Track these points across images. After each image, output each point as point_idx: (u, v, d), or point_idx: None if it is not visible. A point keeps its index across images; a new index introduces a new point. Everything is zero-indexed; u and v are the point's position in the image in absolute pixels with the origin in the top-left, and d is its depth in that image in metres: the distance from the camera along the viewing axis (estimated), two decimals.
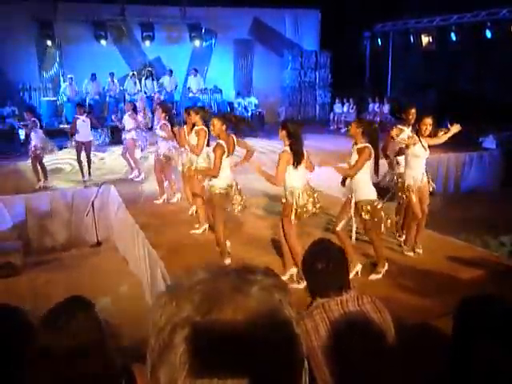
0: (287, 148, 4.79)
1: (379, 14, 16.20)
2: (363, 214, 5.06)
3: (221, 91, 16.79)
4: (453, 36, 14.89)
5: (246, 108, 15.77)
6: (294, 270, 5.15)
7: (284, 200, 4.96)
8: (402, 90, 17.21)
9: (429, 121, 5.86)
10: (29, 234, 8.81)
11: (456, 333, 1.70)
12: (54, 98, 15.33)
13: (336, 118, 16.89)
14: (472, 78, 15.40)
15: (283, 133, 4.82)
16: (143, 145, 10.36)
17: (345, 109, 16.77)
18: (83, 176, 10.08)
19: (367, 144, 4.99)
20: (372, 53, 17.78)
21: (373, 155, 5.00)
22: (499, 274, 5.25)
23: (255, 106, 15.95)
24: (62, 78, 15.49)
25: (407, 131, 6.17)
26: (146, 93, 15.33)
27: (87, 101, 14.72)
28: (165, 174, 8.41)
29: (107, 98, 15.22)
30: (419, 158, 5.86)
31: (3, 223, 8.54)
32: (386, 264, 5.35)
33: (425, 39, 15.96)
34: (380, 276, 5.27)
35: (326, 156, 11.44)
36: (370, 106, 16.47)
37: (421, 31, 15.93)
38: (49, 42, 15.08)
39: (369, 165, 5.04)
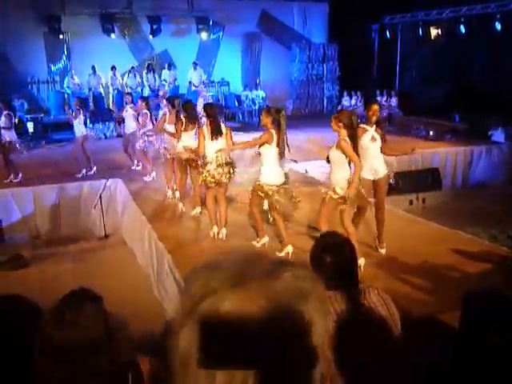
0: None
1: (388, 6, 16.07)
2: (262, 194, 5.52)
3: (228, 84, 16.78)
4: (462, 28, 14.75)
5: (253, 101, 15.75)
6: None
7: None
8: (411, 83, 17.11)
9: (375, 107, 5.60)
10: (37, 226, 8.87)
11: (463, 326, 1.69)
12: (62, 91, 15.37)
13: None
14: (481, 71, 15.28)
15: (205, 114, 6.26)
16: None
17: (353, 102, 16.69)
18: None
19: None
20: (380, 45, 17.65)
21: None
22: (507, 267, 5.23)
23: (262, 99, 15.92)
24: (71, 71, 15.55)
25: (371, 131, 5.61)
26: (150, 87, 15.32)
27: (89, 93, 14.80)
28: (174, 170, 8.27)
29: (110, 91, 15.24)
30: (368, 150, 5.53)
31: (12, 215, 8.61)
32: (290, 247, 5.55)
33: (434, 31, 15.83)
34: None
35: (323, 149, 11.43)
36: (378, 98, 16.38)
37: (430, 23, 15.80)
38: (56, 36, 15.11)
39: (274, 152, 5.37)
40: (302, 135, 12.14)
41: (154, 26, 15.86)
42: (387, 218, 5.90)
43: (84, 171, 9.88)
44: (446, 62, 15.78)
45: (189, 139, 7.03)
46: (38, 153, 12.27)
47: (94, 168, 10.06)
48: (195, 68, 16.05)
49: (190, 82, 16.10)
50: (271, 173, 5.43)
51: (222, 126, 6.17)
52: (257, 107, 15.59)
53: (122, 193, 8.90)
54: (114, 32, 15.61)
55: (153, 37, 16.12)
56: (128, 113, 9.94)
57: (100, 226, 8.92)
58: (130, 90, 13.95)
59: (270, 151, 5.35)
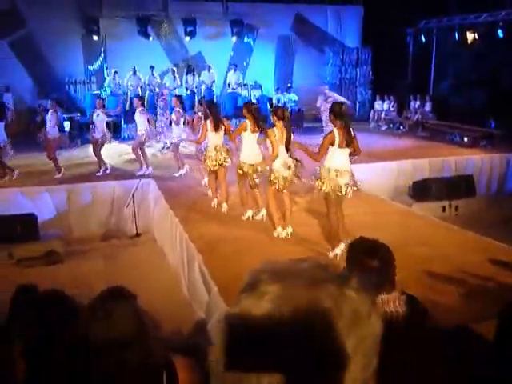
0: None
1: (423, 10, 15.86)
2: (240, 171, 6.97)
3: (261, 87, 16.80)
4: (500, 33, 14.44)
5: (285, 104, 15.72)
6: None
7: None
8: (446, 88, 16.83)
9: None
10: (71, 223, 9.05)
11: (499, 337, 1.67)
12: (98, 92, 15.65)
13: (376, 116, 16.68)
14: None
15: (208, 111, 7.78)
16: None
17: (385, 106, 16.54)
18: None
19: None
20: (415, 50, 17.44)
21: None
22: None
23: (294, 102, 15.89)
24: (105, 72, 15.81)
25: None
26: (187, 88, 15.47)
27: (129, 95, 14.98)
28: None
29: (147, 93, 15.43)
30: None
31: (47, 212, 8.81)
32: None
33: (470, 36, 15.54)
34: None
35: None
36: (412, 103, 16.19)
37: (466, 28, 15.52)
38: (94, 37, 15.44)
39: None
40: None
41: (189, 29, 16.03)
42: (418, 224, 5.83)
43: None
44: (482, 67, 15.47)
45: (217, 140, 7.59)
46: (74, 152, 12.54)
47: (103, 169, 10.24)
48: (235, 70, 16.15)
49: (228, 84, 16.20)
50: (246, 153, 6.84)
51: (224, 121, 7.73)
52: (288, 110, 15.57)
53: (153, 192, 9.01)
54: (149, 34, 15.86)
55: (187, 39, 16.29)
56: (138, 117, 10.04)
57: (131, 225, 9.05)
58: (167, 92, 14.10)
59: (246, 137, 6.80)
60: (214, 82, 15.93)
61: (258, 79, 17.02)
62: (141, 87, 15.38)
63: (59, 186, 9.22)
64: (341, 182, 5.48)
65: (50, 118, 9.83)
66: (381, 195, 8.77)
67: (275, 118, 6.20)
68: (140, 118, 9.99)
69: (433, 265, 5.49)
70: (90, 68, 16.03)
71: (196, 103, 12.96)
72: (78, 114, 14.52)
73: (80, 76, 15.90)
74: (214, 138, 7.55)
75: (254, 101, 15.99)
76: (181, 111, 9.96)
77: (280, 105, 13.91)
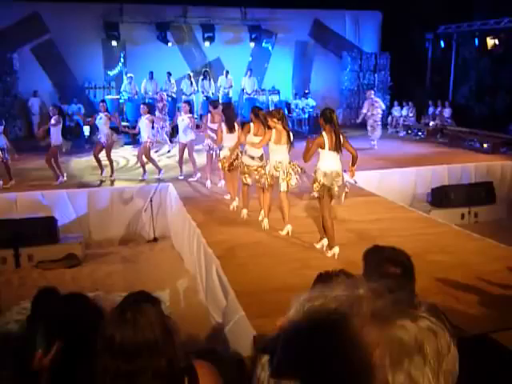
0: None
1: (442, 15, 15.76)
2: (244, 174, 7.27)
3: (278, 92, 16.84)
4: None
5: (303, 109, 15.73)
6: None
7: None
8: (466, 94, 16.68)
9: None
10: (90, 226, 9.14)
11: None
12: (117, 97, 15.81)
13: (394, 122, 16.60)
14: None
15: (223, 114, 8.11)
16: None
17: (404, 112, 16.45)
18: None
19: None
20: (434, 55, 17.32)
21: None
22: None
23: (312, 107, 15.88)
24: (124, 77, 15.97)
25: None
26: (203, 93, 15.57)
27: (146, 100, 15.11)
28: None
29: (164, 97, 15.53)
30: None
31: (67, 216, 8.91)
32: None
33: (490, 42, 15.39)
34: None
35: (374, 159, 11.31)
36: (430, 109, 16.09)
37: (487, 33, 15.38)
38: (114, 43, 15.63)
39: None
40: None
41: (208, 34, 16.14)
42: (438, 232, 5.78)
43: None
44: (502, 72, 15.32)
45: (230, 141, 7.78)
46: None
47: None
48: (250, 75, 16.22)
49: (242, 89, 16.27)
50: (247, 156, 7.13)
51: (235, 124, 7.89)
52: (306, 116, 15.57)
53: (171, 197, 9.07)
54: (168, 40, 16.00)
55: (207, 44, 16.40)
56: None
57: (149, 229, 9.13)
58: (184, 98, 14.20)
59: (248, 140, 6.99)
60: (231, 87, 16.00)
61: (276, 84, 17.06)
62: (157, 92, 15.51)
63: (79, 189, 9.33)
64: (332, 182, 5.77)
65: (53, 124, 9.70)
66: (399, 202, 8.72)
67: (275, 120, 6.34)
68: (144, 125, 9.92)
69: (452, 273, 5.44)
70: (110, 73, 16.24)
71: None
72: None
73: (99, 81, 16.12)
74: (229, 140, 7.76)
75: (272, 106, 16.06)
76: (192, 115, 10.13)
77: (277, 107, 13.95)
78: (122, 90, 15.56)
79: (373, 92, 14.13)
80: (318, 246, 6.20)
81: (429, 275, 5.34)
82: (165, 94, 14.17)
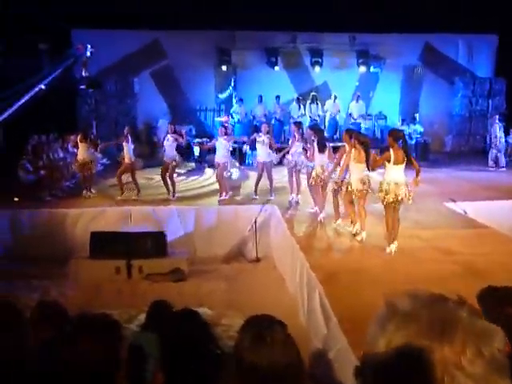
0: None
1: None
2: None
3: (385, 117, 16.56)
4: None
5: (410, 135, 15.31)
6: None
7: None
8: None
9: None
10: (195, 243, 9.50)
11: None
12: (226, 118, 16.42)
13: (510, 149, 15.63)
14: None
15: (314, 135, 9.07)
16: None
17: None
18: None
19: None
20: None
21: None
22: None
23: (420, 133, 15.45)
24: (234, 100, 16.58)
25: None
26: (310, 117, 15.71)
27: (254, 123, 15.54)
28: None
29: (272, 121, 15.87)
30: None
31: (175, 231, 9.34)
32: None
33: None
34: None
35: (486, 191, 10.71)
36: None
37: None
38: (225, 68, 16.29)
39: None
40: (460, 173, 11.54)
41: (316, 59, 16.33)
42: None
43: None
44: None
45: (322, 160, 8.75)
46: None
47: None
48: (357, 100, 16.16)
49: (349, 114, 16.22)
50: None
51: (327, 144, 8.87)
52: (413, 142, 15.15)
53: (276, 219, 9.19)
54: (277, 64, 16.40)
55: (314, 69, 16.59)
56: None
57: (252, 249, 9.28)
58: (293, 120, 14.42)
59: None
60: (339, 111, 16.01)
61: (384, 110, 16.81)
62: (265, 115, 15.89)
63: (188, 207, 9.76)
64: (397, 192, 6.65)
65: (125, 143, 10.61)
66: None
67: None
68: (222, 146, 10.34)
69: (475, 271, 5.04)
70: (220, 96, 16.92)
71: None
72: (207, 140, 15.31)
73: (211, 104, 16.87)
74: (319, 159, 8.72)
75: (379, 132, 15.81)
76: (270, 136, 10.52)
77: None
78: (231, 112, 16.13)
79: (497, 116, 13.59)
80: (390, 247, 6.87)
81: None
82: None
